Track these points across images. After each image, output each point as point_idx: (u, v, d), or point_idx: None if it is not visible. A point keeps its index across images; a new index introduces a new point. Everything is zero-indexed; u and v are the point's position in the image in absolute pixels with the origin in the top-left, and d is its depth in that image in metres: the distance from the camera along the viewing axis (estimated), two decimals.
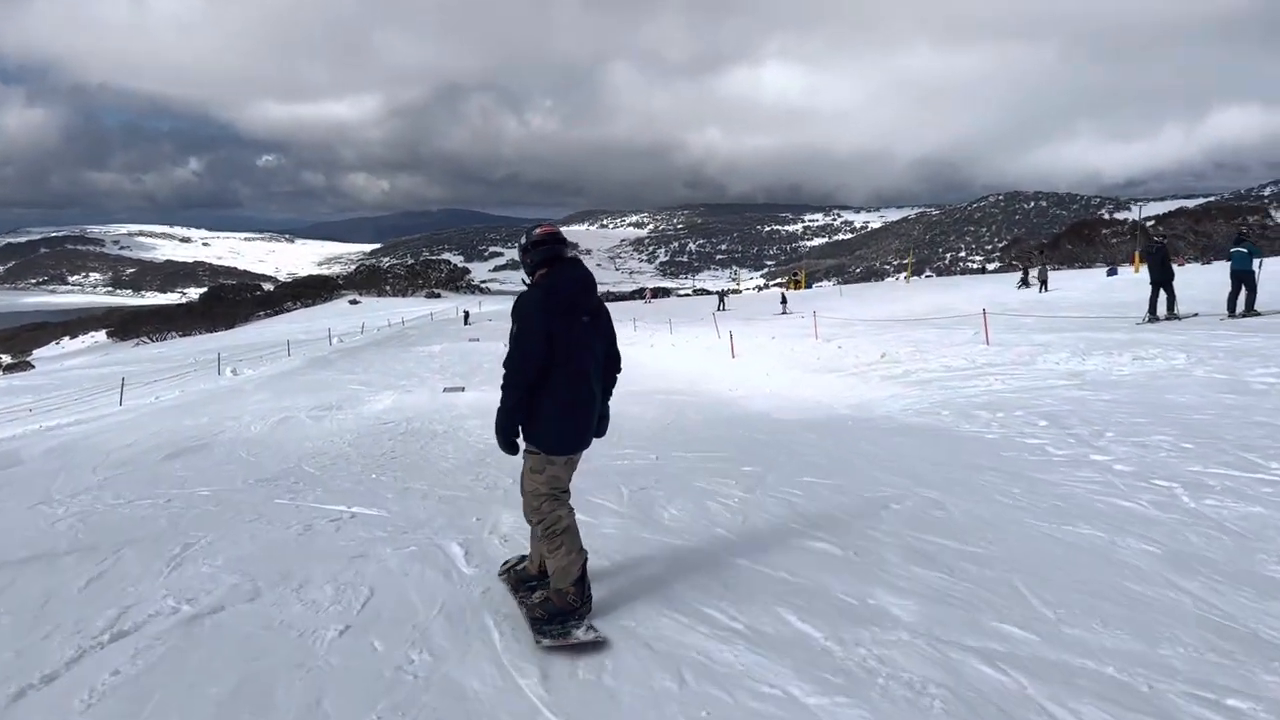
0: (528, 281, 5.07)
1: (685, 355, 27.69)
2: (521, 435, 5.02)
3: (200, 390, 26.69)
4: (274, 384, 27.32)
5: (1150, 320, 19.66)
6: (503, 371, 4.89)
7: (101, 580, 6.38)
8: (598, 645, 4.74)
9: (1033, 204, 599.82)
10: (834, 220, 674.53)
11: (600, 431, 5.31)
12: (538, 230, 5.10)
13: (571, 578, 4.97)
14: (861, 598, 5.30)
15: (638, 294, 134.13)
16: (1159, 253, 19.87)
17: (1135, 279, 42.66)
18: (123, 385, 26.35)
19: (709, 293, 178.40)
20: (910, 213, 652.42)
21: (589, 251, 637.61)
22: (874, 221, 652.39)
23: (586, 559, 5.08)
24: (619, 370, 5.42)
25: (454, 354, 40.20)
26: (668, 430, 13.23)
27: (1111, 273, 48.18)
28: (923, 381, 14.98)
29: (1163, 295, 20.09)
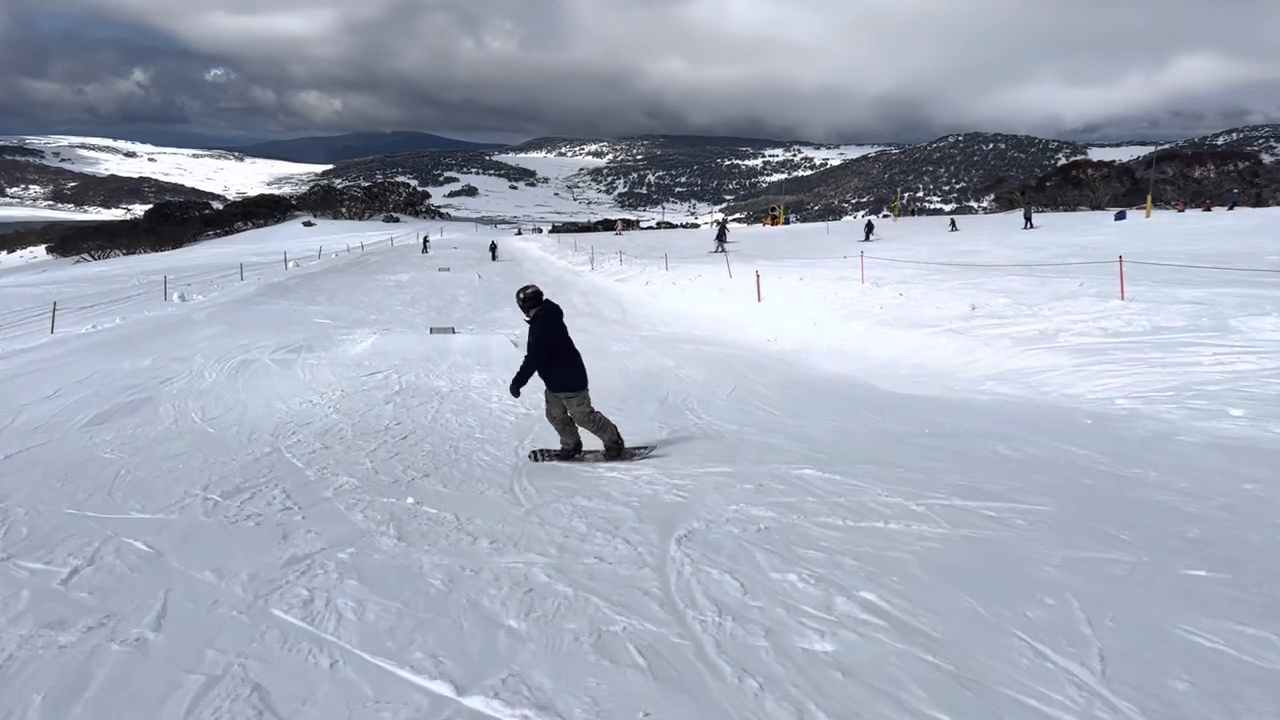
0: (527, 319, 8.44)
1: (694, 296, 24.84)
2: (559, 387, 8.32)
3: (144, 319, 23.30)
4: (228, 314, 24.04)
5: None
6: (526, 353, 8.41)
7: None
8: (644, 456, 8.31)
9: (991, 146, 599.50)
10: (794, 156, 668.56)
11: (583, 383, 8.42)
12: (530, 289, 8.46)
13: (614, 438, 8.34)
14: None
15: (608, 225, 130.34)
16: None
17: (1149, 224, 40.33)
18: (54, 311, 22.88)
19: (673, 225, 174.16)
20: (870, 151, 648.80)
21: (546, 180, 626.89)
22: (834, 159, 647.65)
23: (578, 442, 8.48)
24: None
25: (424, 285, 37.04)
26: (763, 411, 10.31)
27: (1120, 216, 45.93)
28: (1093, 350, 11.97)
29: None
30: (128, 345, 17.56)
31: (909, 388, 11.16)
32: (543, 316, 8.23)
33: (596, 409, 8.35)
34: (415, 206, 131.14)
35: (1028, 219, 48.69)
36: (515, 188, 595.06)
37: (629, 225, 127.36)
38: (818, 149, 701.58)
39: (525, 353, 8.40)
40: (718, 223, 65.09)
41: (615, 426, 8.37)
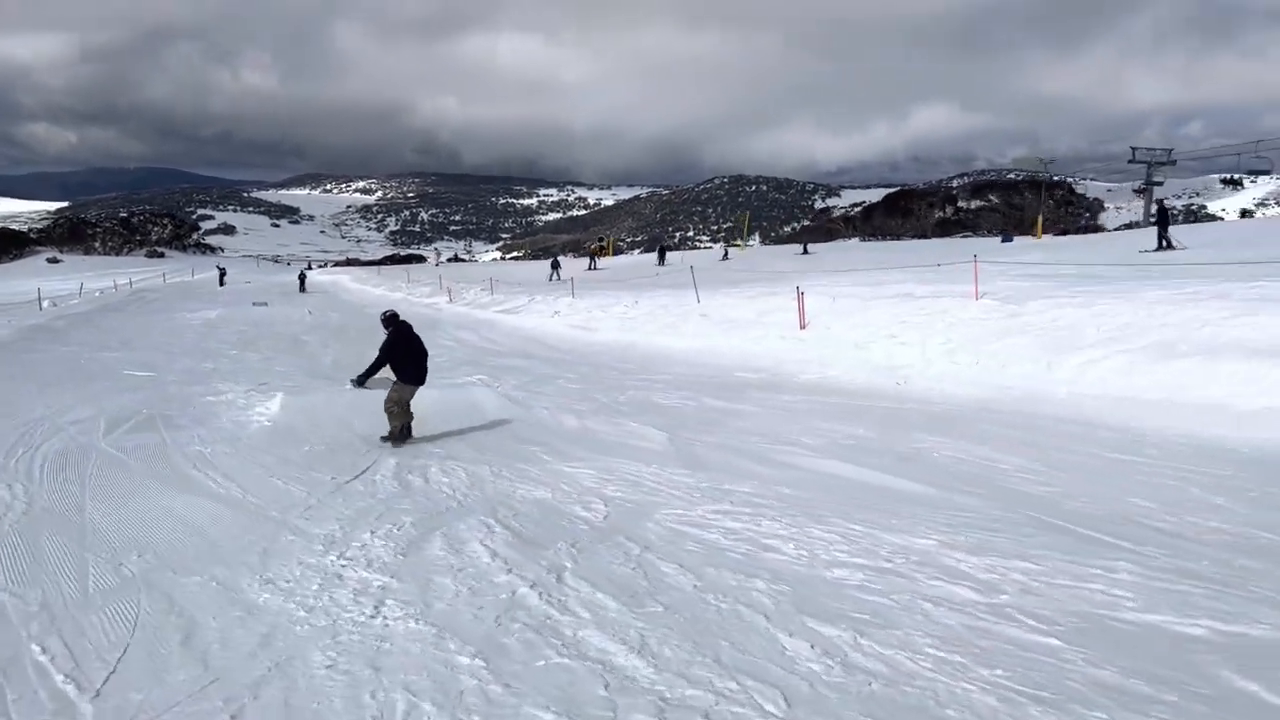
0: (387, 329, 10.35)
1: (662, 326, 18.93)
2: (403, 379, 9.94)
3: None
4: None
5: None
6: (377, 354, 10.13)
7: None
8: (396, 443, 9.42)
9: (755, 187, 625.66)
10: (568, 196, 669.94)
11: (423, 380, 10.14)
12: (389, 311, 10.76)
13: (396, 428, 9.73)
14: None
15: (407, 259, 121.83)
16: None
17: (1060, 244, 37.93)
18: None
19: (463, 260, 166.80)
20: (642, 191, 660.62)
21: (312, 217, 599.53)
22: (607, 199, 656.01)
23: (403, 424, 9.78)
24: (427, 355, 10.25)
25: (246, 323, 29.29)
26: None
27: (1006, 239, 44.21)
28: None
29: None
30: None
31: None
32: (396, 331, 10.26)
33: (402, 406, 9.82)
34: (183, 240, 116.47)
35: (804, 247, 52.61)
36: (278, 225, 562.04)
37: (416, 259, 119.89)
38: (591, 189, 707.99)
39: (384, 351, 10.15)
40: (591, 251, 59.96)
41: (401, 425, 9.79)
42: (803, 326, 15.54)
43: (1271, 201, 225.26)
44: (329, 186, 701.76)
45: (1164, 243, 24.08)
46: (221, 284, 52.77)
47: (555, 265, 45.36)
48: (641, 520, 5.93)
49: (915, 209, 72.51)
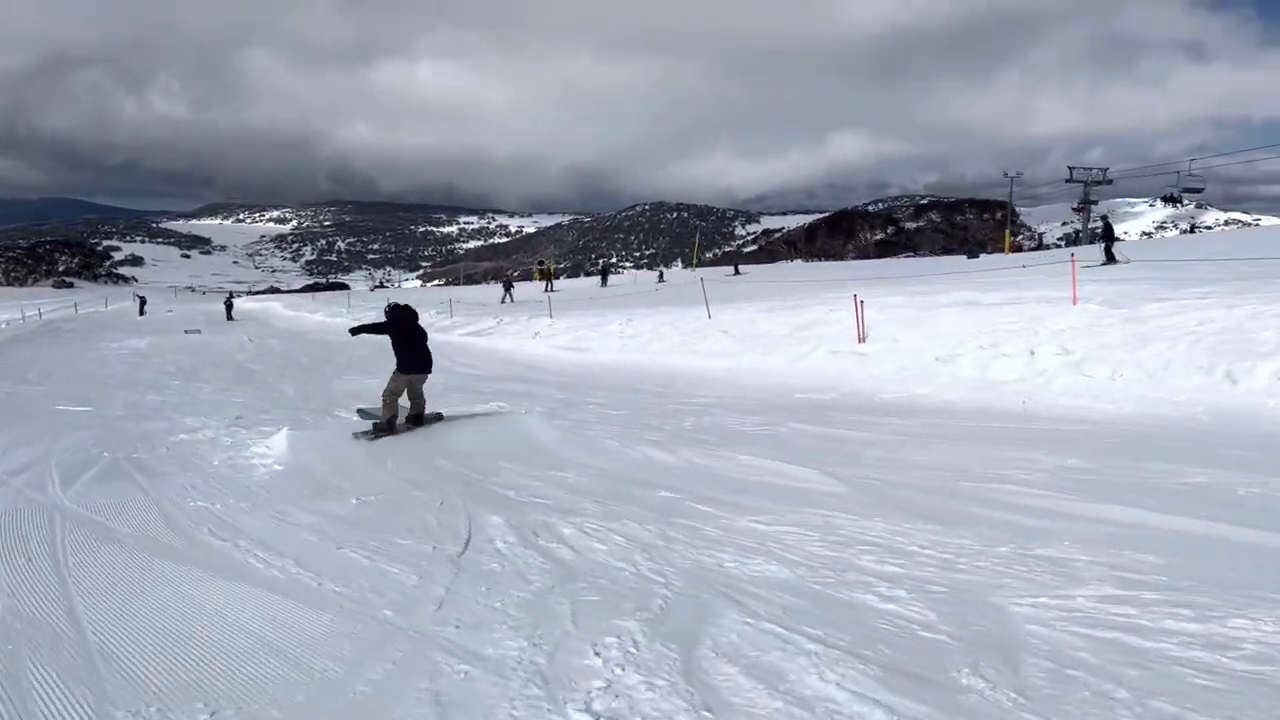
0: (387, 312, 10.62)
1: (675, 344, 17.04)
2: (402, 369, 9.86)
3: None
4: None
5: None
6: (381, 320, 10.79)
7: None
8: (381, 434, 9.38)
9: (675, 214, 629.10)
10: (489, 224, 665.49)
11: (427, 368, 10.13)
12: (391, 303, 10.95)
13: (385, 419, 9.68)
14: None
15: (329, 286, 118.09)
16: None
17: (1017, 258, 37.22)
18: None
19: (385, 286, 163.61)
20: (563, 219, 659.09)
21: (224, 248, 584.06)
22: (528, 226, 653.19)
23: (394, 415, 9.67)
24: (427, 339, 10.34)
25: (181, 352, 26.57)
26: None
27: (972, 255, 43.71)
28: None
29: None
30: None
31: None
32: (394, 313, 10.50)
33: (395, 396, 9.76)
34: (93, 270, 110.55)
35: (735, 268, 56.83)
36: (188, 256, 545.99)
37: (340, 287, 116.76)
38: (512, 217, 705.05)
39: (384, 323, 10.50)
40: (505, 278, 57.75)
41: (395, 415, 9.75)
42: (861, 340, 13.71)
43: (1170, 224, 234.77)
44: (241, 216, 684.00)
45: (1109, 256, 25.98)
46: (142, 313, 49.92)
47: (508, 287, 43.38)
48: (1001, 619, 3.87)
49: (857, 230, 72.13)
